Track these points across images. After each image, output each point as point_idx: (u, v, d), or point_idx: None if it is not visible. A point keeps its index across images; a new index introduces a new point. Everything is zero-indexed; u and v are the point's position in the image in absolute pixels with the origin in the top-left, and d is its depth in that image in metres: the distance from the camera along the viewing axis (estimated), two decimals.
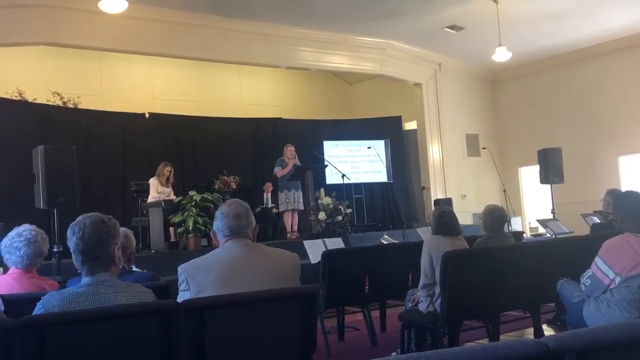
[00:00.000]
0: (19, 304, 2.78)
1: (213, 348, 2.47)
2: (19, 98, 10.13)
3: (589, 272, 3.60)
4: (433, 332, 4.44)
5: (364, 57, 12.65)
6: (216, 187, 10.78)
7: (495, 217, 4.86)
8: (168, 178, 9.50)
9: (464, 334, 5.01)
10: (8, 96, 9.89)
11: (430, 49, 13.05)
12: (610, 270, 3.45)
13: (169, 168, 9.52)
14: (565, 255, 4.73)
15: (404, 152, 13.74)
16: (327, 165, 11.01)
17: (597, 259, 3.54)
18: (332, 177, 11.28)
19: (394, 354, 4.93)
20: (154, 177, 9.43)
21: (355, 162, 12.73)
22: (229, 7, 10.28)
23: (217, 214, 2.89)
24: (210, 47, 10.85)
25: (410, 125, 14.12)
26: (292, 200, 10.29)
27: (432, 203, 12.43)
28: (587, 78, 12.83)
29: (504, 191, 11.68)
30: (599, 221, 7.80)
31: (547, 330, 5.34)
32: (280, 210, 10.55)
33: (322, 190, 10.29)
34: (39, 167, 6.55)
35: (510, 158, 14.25)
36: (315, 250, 6.08)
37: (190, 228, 8.50)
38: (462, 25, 11.47)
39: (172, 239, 9.04)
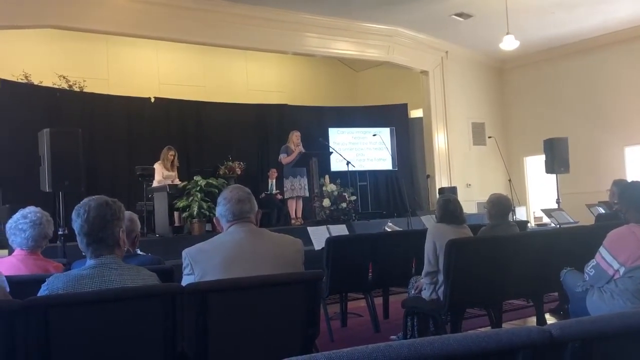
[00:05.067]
0: (23, 285, 2.80)
1: (216, 332, 2.49)
2: (25, 81, 10.14)
3: (593, 262, 3.60)
4: (436, 320, 4.45)
5: (370, 44, 12.59)
6: (221, 172, 10.78)
7: (500, 206, 4.84)
8: (172, 162, 9.52)
9: (466, 322, 5.01)
10: (14, 79, 9.90)
11: (437, 36, 12.97)
12: (614, 260, 3.44)
13: (172, 152, 9.53)
14: (569, 245, 4.72)
15: (410, 140, 13.72)
16: (332, 152, 11.00)
17: (602, 249, 3.54)
18: (337, 164, 11.28)
19: (393, 337, 4.96)
20: (159, 162, 9.45)
21: (361, 150, 12.72)
22: None
23: (220, 199, 2.89)
24: (216, 32, 10.80)
25: (416, 113, 14.08)
26: (297, 187, 10.28)
27: (437, 191, 12.41)
28: (594, 68, 12.75)
29: (509, 180, 11.63)
30: (603, 211, 7.78)
31: (550, 320, 5.34)
32: (285, 197, 10.54)
33: (326, 177, 10.29)
34: (44, 150, 6.56)
35: (515, 147, 14.21)
36: (319, 236, 6.08)
37: (195, 213, 8.51)
38: (470, 13, 11.39)
39: (177, 224, 9.07)
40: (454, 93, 13.68)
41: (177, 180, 9.45)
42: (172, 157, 9.52)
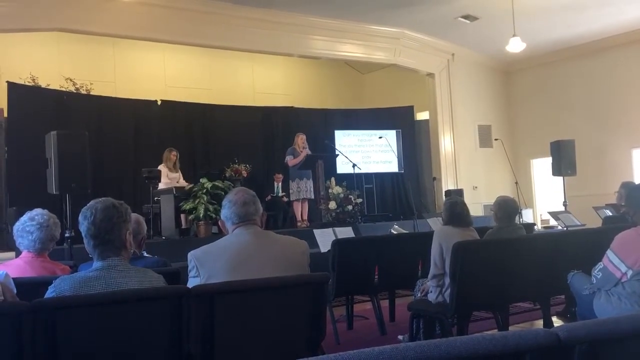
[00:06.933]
0: (30, 287, 2.80)
1: (222, 334, 2.49)
2: (32, 84, 10.18)
3: (600, 265, 3.58)
4: (442, 323, 4.44)
5: (376, 47, 12.58)
6: (227, 175, 10.79)
7: (507, 209, 4.83)
8: (175, 163, 9.57)
9: (473, 325, 5.01)
10: (21, 82, 9.93)
11: (443, 38, 12.96)
12: (622, 263, 3.43)
13: (174, 152, 9.59)
14: (576, 247, 4.70)
15: (416, 142, 13.70)
16: (338, 155, 10.99)
17: (609, 252, 3.52)
18: (342, 166, 11.27)
19: (400, 337, 4.95)
20: (162, 164, 9.49)
21: (367, 152, 12.71)
22: None
23: (224, 202, 2.90)
24: (223, 34, 10.83)
25: (422, 115, 14.06)
26: (303, 189, 10.29)
27: (443, 194, 12.39)
28: (601, 70, 12.70)
29: (516, 183, 11.60)
30: (611, 214, 7.75)
31: (557, 322, 5.32)
32: (291, 200, 10.55)
33: (332, 179, 10.29)
34: (51, 152, 6.58)
35: (522, 150, 14.17)
36: (325, 239, 6.08)
37: (201, 215, 8.52)
38: (477, 15, 11.37)
39: (183, 226, 9.08)
40: (460, 95, 13.66)
41: (182, 180, 9.49)
42: (175, 158, 9.56)
